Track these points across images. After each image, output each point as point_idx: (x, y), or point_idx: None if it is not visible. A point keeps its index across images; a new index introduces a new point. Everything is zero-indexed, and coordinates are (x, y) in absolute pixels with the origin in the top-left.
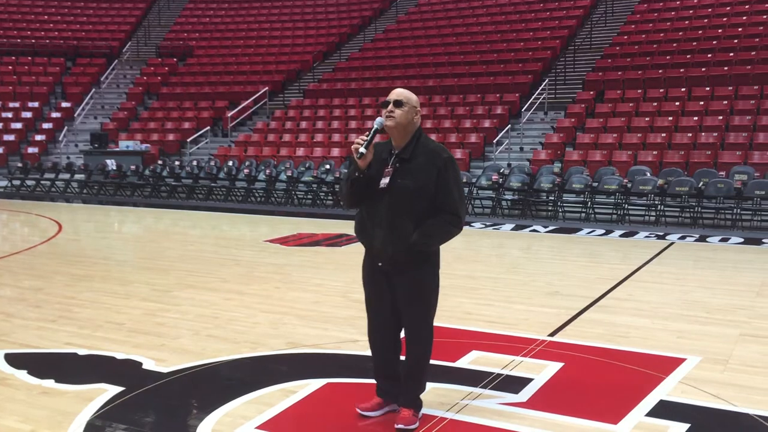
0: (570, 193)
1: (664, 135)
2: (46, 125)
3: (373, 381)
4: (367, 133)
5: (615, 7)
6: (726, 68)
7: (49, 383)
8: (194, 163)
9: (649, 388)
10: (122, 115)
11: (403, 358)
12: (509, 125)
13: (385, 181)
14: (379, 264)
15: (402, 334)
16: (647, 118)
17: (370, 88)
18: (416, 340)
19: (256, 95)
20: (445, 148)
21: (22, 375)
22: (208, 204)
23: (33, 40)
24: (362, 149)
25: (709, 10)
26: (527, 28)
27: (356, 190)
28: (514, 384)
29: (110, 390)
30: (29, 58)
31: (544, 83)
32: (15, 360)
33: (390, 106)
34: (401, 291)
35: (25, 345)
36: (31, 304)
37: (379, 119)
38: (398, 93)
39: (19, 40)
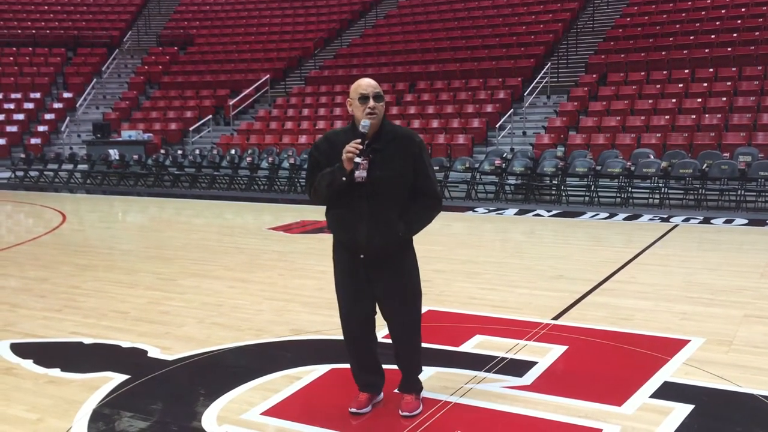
0: (573, 177)
1: (667, 117)
2: (48, 116)
3: None
4: (360, 141)
5: None
6: (729, 49)
7: (55, 372)
8: (197, 151)
9: (654, 370)
10: (124, 104)
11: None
12: (512, 109)
13: (362, 174)
14: (362, 256)
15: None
16: (650, 101)
17: (372, 74)
18: (410, 326)
19: (258, 83)
20: (413, 131)
21: (28, 364)
22: (211, 193)
23: (33, 31)
24: (358, 159)
25: None
26: (529, 12)
27: (335, 191)
28: (518, 367)
29: (116, 378)
30: (30, 48)
31: (546, 67)
32: (21, 349)
33: (371, 102)
34: (387, 280)
35: (30, 335)
36: (36, 294)
37: (365, 122)
38: (374, 85)
39: (19, 31)
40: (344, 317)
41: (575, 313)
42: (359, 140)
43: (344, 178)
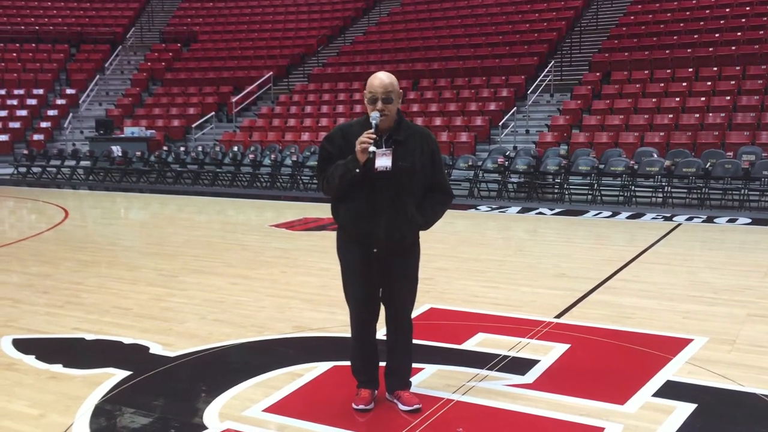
0: (576, 176)
1: (671, 116)
2: (51, 112)
3: None
4: (372, 132)
5: None
6: (733, 48)
7: (57, 368)
8: (199, 148)
9: (656, 369)
10: (127, 101)
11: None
12: (515, 108)
13: (387, 164)
14: (375, 251)
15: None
16: (654, 99)
17: (374, 71)
18: (408, 320)
19: (261, 80)
20: (427, 128)
21: (30, 360)
22: (213, 189)
23: (37, 27)
24: (373, 148)
25: None
26: (532, 9)
27: (350, 183)
28: (520, 366)
29: (118, 374)
30: (33, 45)
31: (549, 65)
32: (23, 345)
33: (380, 104)
34: (396, 274)
35: (32, 330)
36: (39, 289)
37: (375, 114)
38: (385, 85)
39: (23, 27)
40: (355, 313)
41: (578, 312)
42: (372, 131)
43: (357, 170)
